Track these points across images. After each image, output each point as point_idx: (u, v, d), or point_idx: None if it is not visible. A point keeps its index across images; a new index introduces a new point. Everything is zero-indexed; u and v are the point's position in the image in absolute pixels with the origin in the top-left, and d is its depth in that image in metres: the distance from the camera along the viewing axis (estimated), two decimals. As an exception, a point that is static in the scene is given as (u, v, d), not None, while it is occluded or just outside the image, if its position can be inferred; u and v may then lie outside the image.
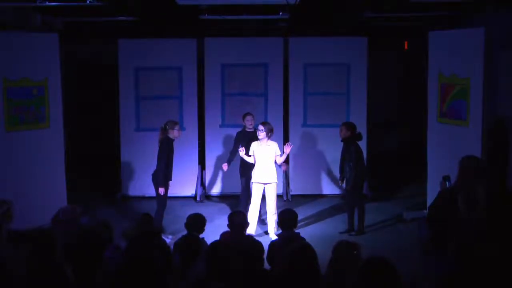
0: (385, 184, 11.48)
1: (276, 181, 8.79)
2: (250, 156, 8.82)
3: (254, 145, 8.77)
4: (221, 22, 10.55)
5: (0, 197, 6.24)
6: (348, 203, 9.16)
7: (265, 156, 8.68)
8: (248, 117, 9.45)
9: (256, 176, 8.75)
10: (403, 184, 11.56)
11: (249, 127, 9.39)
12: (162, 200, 8.65)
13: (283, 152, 8.71)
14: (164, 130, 8.68)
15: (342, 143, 8.93)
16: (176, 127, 8.71)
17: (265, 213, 8.96)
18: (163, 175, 8.54)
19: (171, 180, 8.76)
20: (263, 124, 8.76)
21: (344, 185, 9.06)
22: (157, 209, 8.62)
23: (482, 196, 5.58)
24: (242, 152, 8.83)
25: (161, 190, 8.53)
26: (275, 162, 8.77)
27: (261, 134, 8.64)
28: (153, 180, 8.69)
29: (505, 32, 8.33)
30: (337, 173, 9.52)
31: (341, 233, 8.91)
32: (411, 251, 7.48)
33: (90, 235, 5.35)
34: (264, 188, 8.75)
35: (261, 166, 8.70)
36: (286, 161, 10.94)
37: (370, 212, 9.90)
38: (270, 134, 8.71)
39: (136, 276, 4.41)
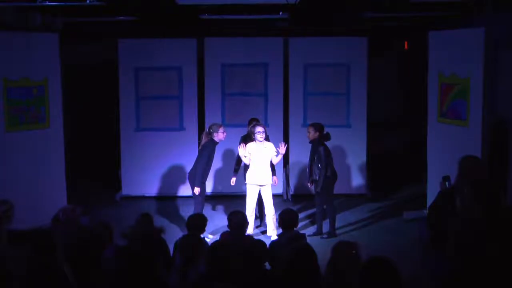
0: (385, 184, 11.48)
1: (271, 182, 8.71)
2: (245, 157, 8.65)
3: (251, 146, 8.59)
4: (221, 22, 10.55)
5: (0, 198, 6.25)
6: (317, 205, 8.90)
7: (263, 157, 8.58)
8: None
9: (252, 178, 8.60)
10: (403, 184, 11.56)
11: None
12: (199, 200, 8.64)
13: (279, 153, 8.63)
14: (209, 134, 8.65)
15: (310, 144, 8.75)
16: (221, 129, 8.65)
17: (265, 215, 8.83)
18: (201, 176, 8.54)
19: (205, 181, 8.75)
20: (262, 125, 8.71)
21: (313, 187, 8.81)
22: (194, 208, 8.61)
23: (481, 196, 5.56)
24: (242, 149, 8.60)
25: (197, 190, 8.53)
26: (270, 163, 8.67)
27: (263, 136, 8.52)
28: (189, 179, 8.72)
29: (505, 32, 8.33)
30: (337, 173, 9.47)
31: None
32: (411, 251, 7.48)
33: (90, 235, 5.35)
34: (260, 189, 8.66)
35: (258, 168, 8.56)
36: (285, 160, 10.97)
37: (370, 212, 9.92)
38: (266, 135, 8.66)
39: (136, 276, 4.41)
